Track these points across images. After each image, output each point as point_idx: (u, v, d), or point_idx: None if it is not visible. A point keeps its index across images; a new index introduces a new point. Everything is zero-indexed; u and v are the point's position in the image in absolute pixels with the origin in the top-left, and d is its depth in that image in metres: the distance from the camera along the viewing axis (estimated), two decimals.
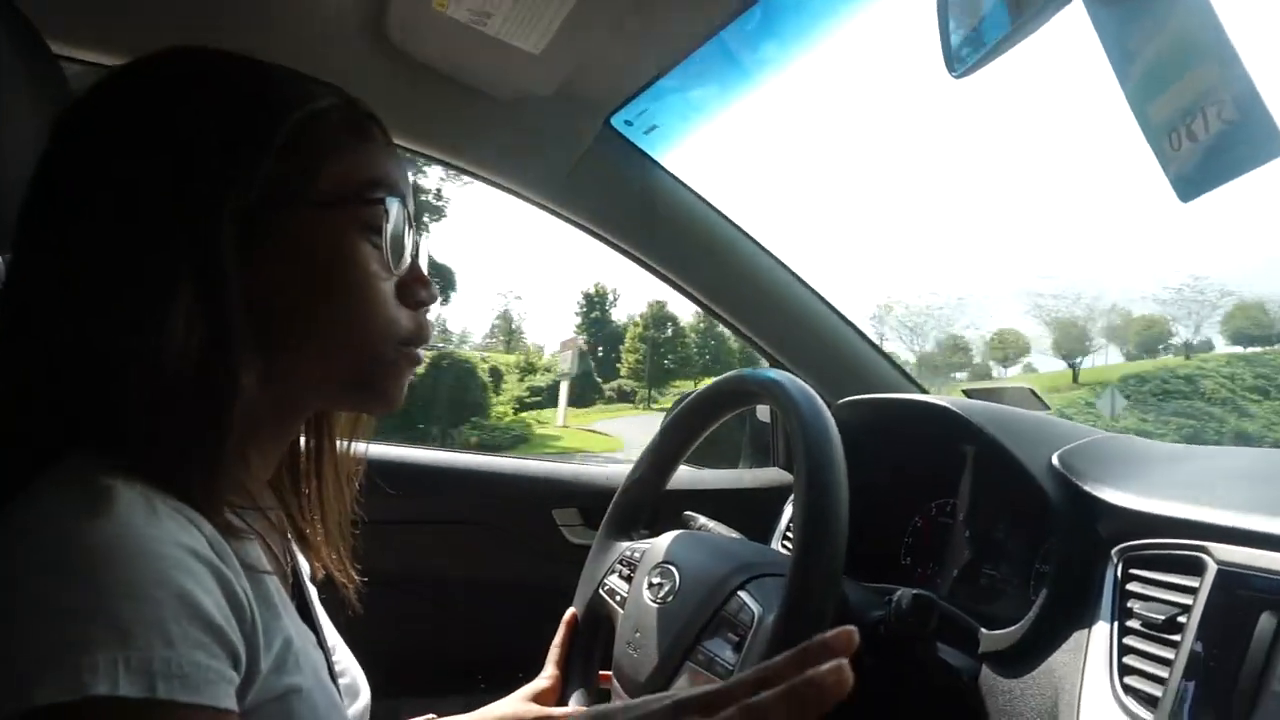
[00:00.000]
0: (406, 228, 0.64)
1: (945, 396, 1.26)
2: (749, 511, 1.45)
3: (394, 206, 0.63)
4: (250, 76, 0.61)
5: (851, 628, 0.49)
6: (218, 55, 0.61)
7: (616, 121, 1.34)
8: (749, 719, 0.46)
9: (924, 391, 1.54)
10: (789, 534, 1.41)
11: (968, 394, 1.65)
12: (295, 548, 0.73)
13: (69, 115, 0.59)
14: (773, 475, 1.69)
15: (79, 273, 0.54)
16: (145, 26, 1.09)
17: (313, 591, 0.74)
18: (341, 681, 0.68)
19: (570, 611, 1.13)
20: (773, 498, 1.52)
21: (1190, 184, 0.59)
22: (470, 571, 1.51)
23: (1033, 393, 1.64)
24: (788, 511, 1.45)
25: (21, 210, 0.57)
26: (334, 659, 0.69)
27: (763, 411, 1.73)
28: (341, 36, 1.16)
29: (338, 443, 0.74)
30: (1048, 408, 1.61)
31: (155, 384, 0.52)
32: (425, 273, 0.67)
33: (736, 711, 0.47)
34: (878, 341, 1.54)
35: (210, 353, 0.54)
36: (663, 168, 1.42)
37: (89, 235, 0.54)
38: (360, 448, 0.76)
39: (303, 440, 0.73)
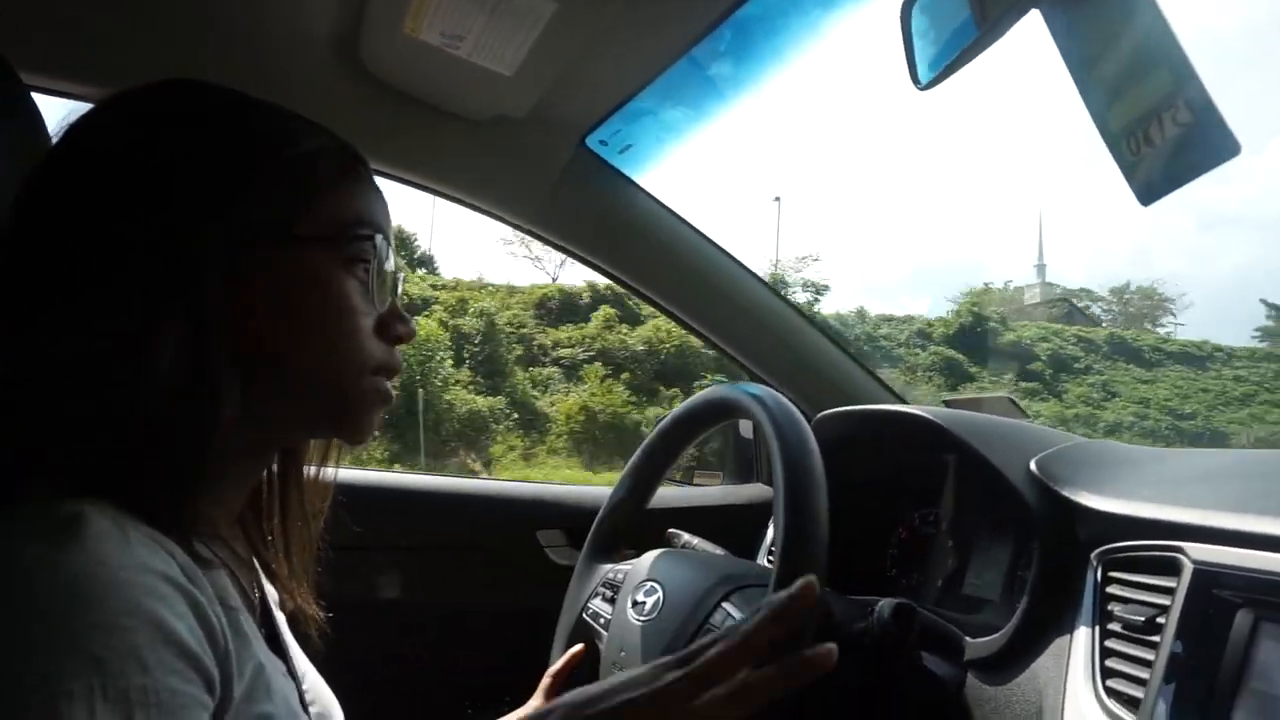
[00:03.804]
0: (389, 264, 0.66)
1: (924, 407, 1.26)
2: (733, 528, 1.45)
3: (379, 244, 0.64)
4: (241, 114, 0.62)
5: (812, 579, 0.57)
6: (209, 90, 0.62)
7: (591, 142, 1.35)
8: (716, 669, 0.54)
9: (903, 402, 1.55)
10: (774, 548, 1.41)
11: (947, 404, 1.66)
12: (263, 577, 0.72)
13: (55, 151, 0.59)
14: (756, 491, 1.70)
15: (62, 302, 0.54)
16: (115, 54, 1.09)
17: (281, 620, 0.73)
18: (312, 709, 0.68)
19: (579, 648, 1.08)
20: (757, 513, 1.53)
21: (1150, 187, 0.60)
22: (456, 596, 1.50)
23: (1012, 401, 1.65)
24: (773, 526, 1.45)
25: (2, 239, 0.57)
26: (304, 687, 0.68)
27: (745, 427, 1.73)
28: (313, 62, 1.17)
29: (305, 471, 0.74)
30: (1027, 416, 1.63)
31: (138, 411, 0.53)
32: (402, 309, 0.69)
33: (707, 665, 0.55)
34: None
35: (193, 382, 0.54)
36: (639, 186, 1.42)
37: (73, 265, 0.55)
38: (328, 477, 0.75)
39: (267, 470, 0.72)
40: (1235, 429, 19.07)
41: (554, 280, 20.50)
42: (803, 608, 0.56)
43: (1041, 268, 30.84)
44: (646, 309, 18.47)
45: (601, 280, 18.62)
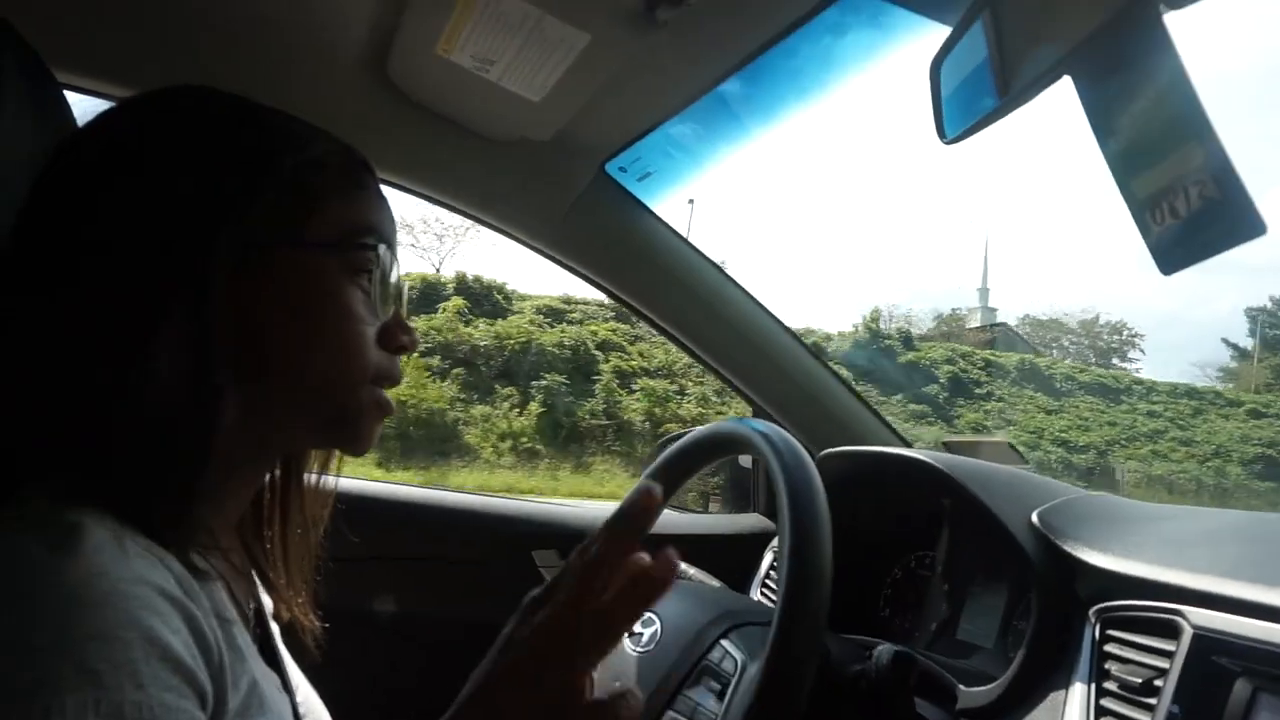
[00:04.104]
0: (393, 274, 0.66)
1: (926, 451, 1.27)
2: (729, 557, 1.45)
3: (383, 253, 0.64)
4: (247, 119, 0.62)
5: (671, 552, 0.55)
6: (216, 96, 0.63)
7: (611, 168, 1.36)
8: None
9: (906, 444, 1.55)
10: (768, 581, 1.41)
11: (947, 446, 1.67)
12: (259, 589, 0.72)
13: (65, 149, 0.59)
14: (753, 521, 1.70)
15: (66, 303, 0.54)
16: (150, 56, 1.10)
17: (275, 631, 0.73)
18: None
19: None
20: (753, 544, 1.52)
21: (1172, 258, 0.61)
22: (447, 612, 1.49)
23: (1011, 447, 1.66)
24: (768, 558, 1.45)
25: (11, 237, 0.57)
26: (298, 700, 0.68)
27: (744, 458, 1.73)
28: (342, 75, 1.18)
29: (305, 480, 0.74)
30: (1026, 462, 1.63)
31: (137, 417, 0.52)
32: (406, 319, 0.69)
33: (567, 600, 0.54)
34: None
35: (193, 388, 0.54)
36: (654, 214, 1.43)
37: (77, 266, 0.55)
38: (329, 486, 0.75)
39: (268, 478, 0.72)
40: (1132, 465, 18.74)
41: (437, 270, 19.97)
42: (642, 515, 0.57)
43: (984, 291, 30.90)
44: (517, 304, 18.07)
45: (471, 272, 18.26)
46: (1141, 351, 29.99)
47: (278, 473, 0.72)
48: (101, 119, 0.61)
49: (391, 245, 0.66)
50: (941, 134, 0.79)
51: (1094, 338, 30.47)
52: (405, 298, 0.70)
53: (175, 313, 0.54)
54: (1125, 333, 30.44)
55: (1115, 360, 28.97)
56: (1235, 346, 26.70)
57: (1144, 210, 0.62)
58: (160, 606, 0.47)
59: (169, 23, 1.08)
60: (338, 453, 0.74)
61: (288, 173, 0.60)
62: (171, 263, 0.55)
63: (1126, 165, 0.63)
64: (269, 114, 0.63)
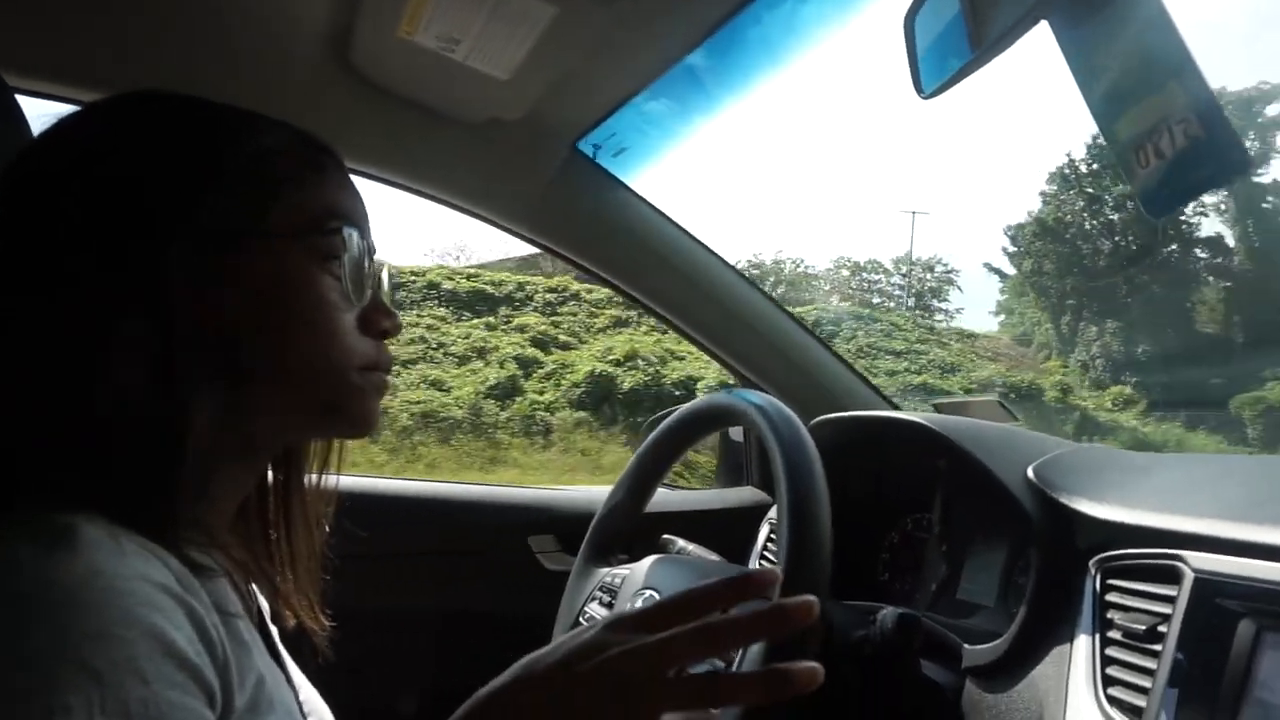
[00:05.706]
0: (366, 258, 0.64)
1: (917, 413, 1.27)
2: (725, 531, 1.44)
3: (352, 236, 0.63)
4: (196, 116, 0.62)
5: (813, 598, 0.52)
6: (165, 97, 0.62)
7: (585, 145, 1.34)
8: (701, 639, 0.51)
9: (896, 408, 1.55)
10: (766, 553, 1.41)
11: (937, 408, 1.67)
12: (258, 590, 0.71)
13: (19, 161, 0.59)
14: (747, 495, 1.69)
15: (28, 310, 0.53)
16: (102, 58, 1.08)
17: (274, 628, 0.72)
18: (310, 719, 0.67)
19: None
20: (748, 517, 1.52)
21: (1159, 200, 0.60)
22: (445, 603, 1.49)
23: (1001, 405, 1.66)
24: (764, 530, 1.45)
25: None
26: (301, 697, 0.67)
27: (735, 431, 1.73)
28: (305, 63, 1.15)
29: (307, 479, 0.73)
30: (1017, 419, 1.64)
31: (107, 419, 0.52)
32: (387, 302, 0.67)
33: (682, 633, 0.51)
34: None
35: (161, 387, 0.54)
36: (631, 190, 1.42)
37: (37, 273, 0.54)
38: (330, 484, 0.74)
39: (270, 479, 0.71)
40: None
41: None
42: (782, 616, 0.52)
43: None
44: None
45: None
46: (961, 290, 25.61)
47: (279, 474, 0.71)
48: (59, 125, 0.60)
49: (361, 227, 0.64)
50: (919, 88, 0.78)
51: (906, 276, 26.31)
52: (385, 281, 0.68)
53: (134, 316, 0.54)
54: (938, 269, 26.01)
55: (933, 300, 25.31)
56: (997, 270, 23.93)
57: (1129, 153, 0.61)
58: (162, 603, 0.47)
59: (127, 24, 1.06)
60: (338, 448, 0.73)
61: (239, 164, 0.59)
62: (123, 268, 0.54)
63: (1109, 108, 0.62)
64: (219, 109, 0.62)
